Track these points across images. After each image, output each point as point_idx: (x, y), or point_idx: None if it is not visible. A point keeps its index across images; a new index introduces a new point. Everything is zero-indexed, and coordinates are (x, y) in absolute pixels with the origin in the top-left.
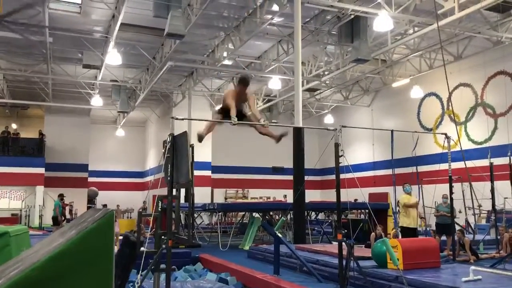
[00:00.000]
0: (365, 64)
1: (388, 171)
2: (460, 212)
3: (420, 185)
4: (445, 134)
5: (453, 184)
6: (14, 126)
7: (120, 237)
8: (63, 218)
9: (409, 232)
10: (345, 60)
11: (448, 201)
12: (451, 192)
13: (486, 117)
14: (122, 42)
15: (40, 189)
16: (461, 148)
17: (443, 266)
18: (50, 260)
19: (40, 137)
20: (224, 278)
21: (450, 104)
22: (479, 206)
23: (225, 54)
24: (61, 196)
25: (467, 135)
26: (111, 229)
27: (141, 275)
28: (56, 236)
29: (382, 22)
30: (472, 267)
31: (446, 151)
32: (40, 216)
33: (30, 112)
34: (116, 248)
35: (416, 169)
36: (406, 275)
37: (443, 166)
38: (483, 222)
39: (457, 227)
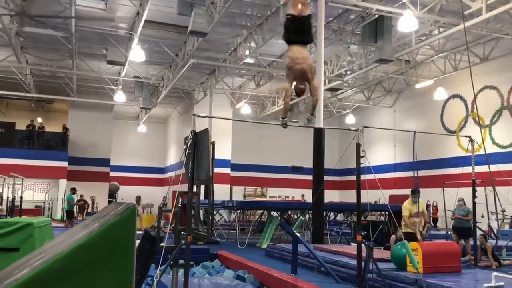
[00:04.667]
0: (388, 64)
1: (410, 173)
2: (482, 216)
3: (443, 188)
4: (469, 137)
5: (476, 188)
6: (39, 120)
7: (139, 232)
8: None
9: (410, 237)
10: (368, 60)
11: (464, 205)
12: (474, 196)
13: None
14: (145, 39)
15: (63, 182)
16: (485, 152)
17: (464, 271)
18: (73, 252)
19: (64, 131)
20: (241, 275)
21: (475, 106)
22: (503, 211)
23: (247, 52)
24: (73, 190)
25: (492, 139)
26: (133, 223)
27: (160, 270)
28: (79, 228)
29: (407, 22)
30: (495, 273)
31: (470, 154)
32: (63, 209)
33: (54, 107)
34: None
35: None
36: (426, 278)
37: (466, 170)
38: (507, 227)
39: (479, 232)
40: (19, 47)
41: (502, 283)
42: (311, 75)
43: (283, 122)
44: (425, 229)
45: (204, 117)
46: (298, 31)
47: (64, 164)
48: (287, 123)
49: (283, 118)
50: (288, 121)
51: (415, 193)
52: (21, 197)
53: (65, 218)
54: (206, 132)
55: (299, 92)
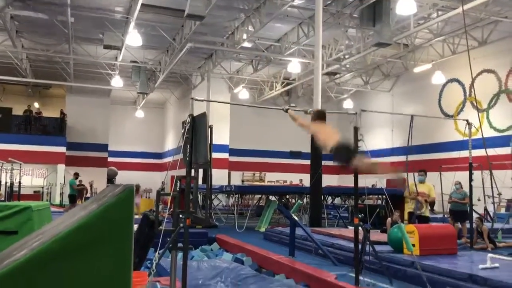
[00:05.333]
0: (387, 48)
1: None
2: (479, 200)
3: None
4: (467, 121)
5: (473, 172)
6: (36, 105)
7: (136, 217)
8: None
9: (418, 218)
10: (366, 44)
11: (461, 188)
12: (470, 180)
13: (510, 104)
14: (142, 23)
15: (61, 167)
16: (482, 135)
17: (460, 253)
18: (71, 233)
19: (61, 116)
20: (240, 258)
21: (472, 90)
22: (499, 194)
23: (244, 36)
24: (76, 175)
25: (489, 123)
26: (131, 204)
27: (158, 253)
28: (77, 210)
29: (405, 5)
30: (490, 255)
31: (467, 138)
32: (61, 194)
33: (52, 92)
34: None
35: None
36: (422, 260)
37: (463, 154)
38: (503, 210)
39: (476, 215)
40: (14, 31)
41: (497, 265)
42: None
43: (286, 108)
44: (426, 207)
45: (202, 100)
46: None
47: (62, 149)
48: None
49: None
50: (281, 106)
51: (421, 172)
52: (19, 182)
53: (63, 203)
54: (204, 116)
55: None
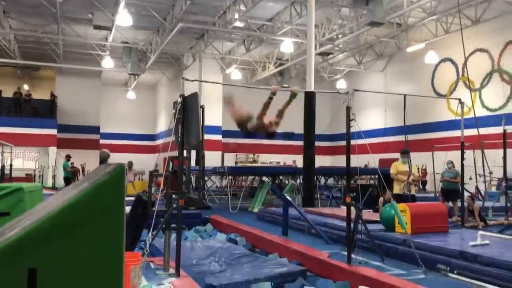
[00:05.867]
0: (380, 27)
1: (400, 137)
2: (470, 179)
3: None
4: (459, 99)
5: (464, 151)
6: (26, 87)
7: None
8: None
9: (401, 198)
10: (359, 23)
11: (453, 167)
12: (462, 159)
13: (502, 83)
14: (132, 3)
15: (53, 150)
16: (474, 115)
17: (451, 231)
18: (63, 211)
19: (51, 98)
20: (233, 238)
21: (465, 70)
22: (490, 173)
23: (236, 15)
24: (67, 157)
25: (482, 102)
26: (122, 182)
27: (152, 234)
28: (70, 189)
29: None
30: (480, 232)
31: (459, 117)
32: (53, 176)
33: (41, 74)
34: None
35: None
36: (414, 239)
37: (455, 133)
38: (494, 189)
39: (467, 194)
40: (1, 11)
41: (487, 242)
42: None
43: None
44: (415, 188)
45: (192, 81)
46: None
47: (53, 131)
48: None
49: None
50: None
51: (404, 153)
52: (11, 165)
53: (56, 186)
54: (195, 96)
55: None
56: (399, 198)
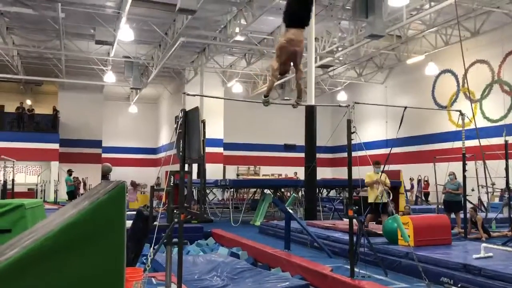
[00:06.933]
0: (380, 40)
1: (401, 149)
2: (473, 190)
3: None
4: (460, 111)
5: (466, 162)
6: (28, 102)
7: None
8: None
9: (376, 207)
10: (359, 36)
11: (455, 179)
12: (464, 170)
13: (503, 94)
14: (134, 18)
15: (55, 164)
16: (475, 126)
17: (454, 243)
18: (63, 230)
19: (54, 113)
20: (235, 252)
21: (465, 81)
22: (493, 184)
23: (237, 30)
24: (69, 172)
25: (482, 113)
26: (122, 200)
27: (153, 248)
28: (69, 207)
29: None
30: (484, 244)
31: (460, 129)
32: (56, 191)
33: (44, 89)
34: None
35: None
36: (417, 251)
37: (457, 144)
38: (496, 200)
39: (470, 205)
40: (4, 28)
41: (491, 254)
42: (300, 60)
43: (264, 101)
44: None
45: (194, 95)
46: (299, 14)
47: (56, 146)
48: (268, 101)
49: (266, 96)
50: (270, 99)
51: (376, 164)
52: (13, 180)
53: (58, 201)
54: (196, 110)
55: (283, 72)
56: (375, 206)
